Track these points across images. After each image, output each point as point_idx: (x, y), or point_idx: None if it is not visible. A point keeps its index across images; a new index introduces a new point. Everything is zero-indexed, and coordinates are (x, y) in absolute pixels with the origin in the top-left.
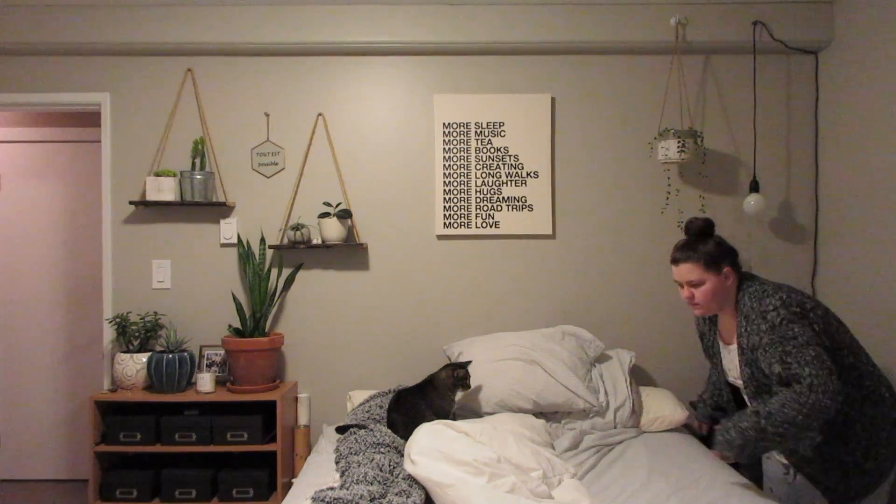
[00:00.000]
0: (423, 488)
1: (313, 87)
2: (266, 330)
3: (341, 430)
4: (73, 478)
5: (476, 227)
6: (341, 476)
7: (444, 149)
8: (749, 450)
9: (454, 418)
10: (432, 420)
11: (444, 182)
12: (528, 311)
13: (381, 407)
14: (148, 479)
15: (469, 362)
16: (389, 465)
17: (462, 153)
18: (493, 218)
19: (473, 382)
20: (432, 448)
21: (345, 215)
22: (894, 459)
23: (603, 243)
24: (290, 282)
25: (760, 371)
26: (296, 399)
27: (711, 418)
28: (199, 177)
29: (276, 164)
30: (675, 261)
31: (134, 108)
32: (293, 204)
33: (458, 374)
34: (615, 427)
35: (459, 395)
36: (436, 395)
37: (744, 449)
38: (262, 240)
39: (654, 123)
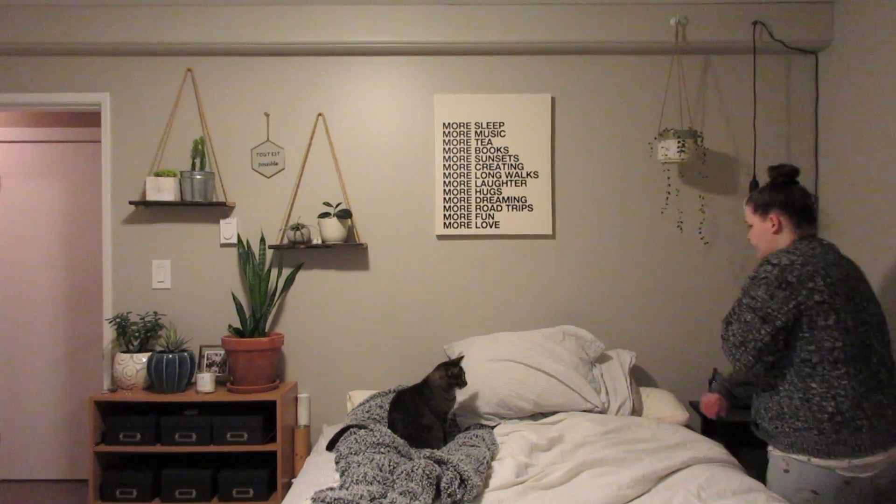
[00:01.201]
0: (433, 490)
1: (313, 87)
2: (266, 330)
3: (331, 445)
4: (73, 478)
5: (476, 227)
6: (341, 476)
7: (444, 149)
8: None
9: (453, 419)
10: (431, 420)
11: (444, 182)
12: (529, 311)
13: (381, 407)
14: (148, 479)
15: (461, 358)
16: (389, 465)
17: (462, 153)
18: (493, 218)
19: (474, 382)
20: None
21: (345, 215)
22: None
23: (603, 243)
24: (290, 282)
25: None
26: (296, 399)
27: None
28: (199, 177)
29: (276, 164)
30: None
31: (134, 108)
32: (293, 204)
33: (451, 372)
34: None
35: (459, 393)
36: (431, 396)
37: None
38: (262, 240)
39: (654, 123)
